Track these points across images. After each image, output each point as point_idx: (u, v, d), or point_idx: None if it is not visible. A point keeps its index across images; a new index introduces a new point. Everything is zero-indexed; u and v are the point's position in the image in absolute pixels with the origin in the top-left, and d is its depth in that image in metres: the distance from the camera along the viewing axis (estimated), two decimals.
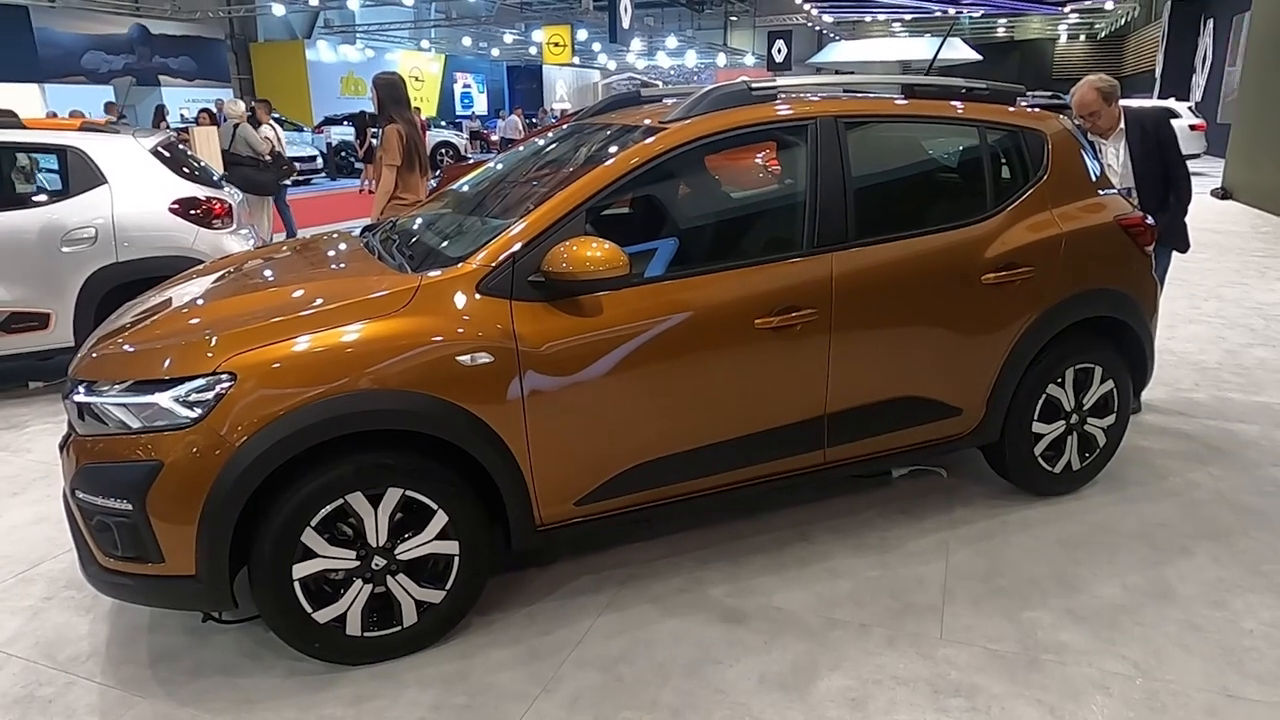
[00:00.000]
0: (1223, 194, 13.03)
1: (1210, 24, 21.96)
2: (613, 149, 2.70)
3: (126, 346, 2.38)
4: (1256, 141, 12.56)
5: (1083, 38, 35.29)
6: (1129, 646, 2.46)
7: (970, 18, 30.65)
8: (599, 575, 2.88)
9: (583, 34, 29.21)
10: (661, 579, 2.85)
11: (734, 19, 35.14)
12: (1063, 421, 3.26)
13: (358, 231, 3.40)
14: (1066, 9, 25.29)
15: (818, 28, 33.73)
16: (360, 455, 2.27)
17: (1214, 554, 2.95)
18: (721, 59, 36.40)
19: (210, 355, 2.18)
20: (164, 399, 2.17)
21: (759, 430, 2.74)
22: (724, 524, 3.17)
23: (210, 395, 2.14)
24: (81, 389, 2.31)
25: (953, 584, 2.79)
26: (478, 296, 2.37)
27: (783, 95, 2.87)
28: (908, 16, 28.69)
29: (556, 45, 24.62)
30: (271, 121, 9.43)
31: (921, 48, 33.45)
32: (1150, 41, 27.57)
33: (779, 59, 27.99)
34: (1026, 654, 2.44)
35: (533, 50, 34.20)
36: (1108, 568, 2.87)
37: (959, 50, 32.42)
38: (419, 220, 3.15)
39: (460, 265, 2.42)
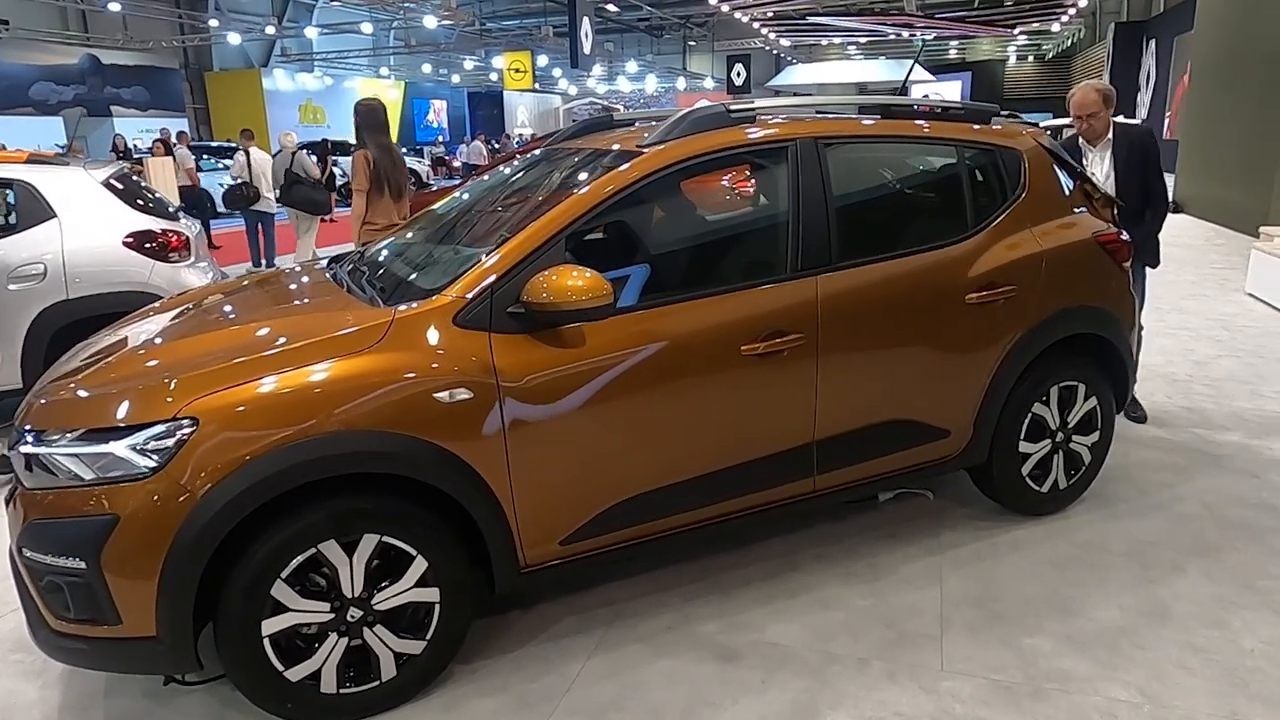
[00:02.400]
0: (1174, 207, 13.37)
1: (1152, 45, 22.70)
2: (590, 174, 2.62)
3: (79, 391, 2.23)
4: (1204, 156, 12.93)
5: (1031, 59, 36.29)
6: (1132, 671, 2.41)
7: (924, 40, 31.31)
8: (584, 615, 2.76)
9: (543, 59, 29.32)
10: (649, 617, 2.74)
11: (692, 44, 35.60)
12: (1049, 440, 3.24)
13: (323, 263, 3.28)
14: (1016, 31, 25.96)
15: (776, 51, 34.26)
16: (334, 501, 2.14)
17: (1206, 570, 2.92)
18: (681, 83, 36.79)
19: (169, 400, 2.05)
20: (120, 448, 2.02)
21: (747, 460, 2.66)
22: (710, 556, 3.07)
23: (170, 442, 2.01)
24: (29, 438, 2.15)
25: (948, 611, 2.73)
26: (455, 329, 2.27)
27: (761, 117, 2.82)
28: (863, 40, 29.25)
29: (517, 71, 24.67)
30: (253, 148, 9.74)
31: (877, 70, 34.15)
32: (1096, 62, 28.42)
33: (738, 82, 28.31)
34: (1030, 683, 2.37)
35: (493, 76, 34.32)
36: (1101, 589, 2.83)
37: (915, 72, 33.08)
38: (388, 250, 3.04)
39: (435, 297, 2.31)
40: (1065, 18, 23.71)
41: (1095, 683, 2.36)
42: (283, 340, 2.23)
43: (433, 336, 2.25)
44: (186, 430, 2.01)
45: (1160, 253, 4.01)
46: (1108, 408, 3.33)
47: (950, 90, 35.22)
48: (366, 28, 23.44)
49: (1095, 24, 29.66)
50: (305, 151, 9.95)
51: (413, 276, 2.60)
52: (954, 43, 33.53)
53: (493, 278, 2.32)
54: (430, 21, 20.62)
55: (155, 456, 2.01)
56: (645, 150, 2.59)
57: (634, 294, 2.56)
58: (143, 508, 1.99)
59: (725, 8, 21.20)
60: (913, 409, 2.93)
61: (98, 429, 2.07)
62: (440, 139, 26.71)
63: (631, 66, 32.14)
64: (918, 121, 3.05)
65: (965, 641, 2.57)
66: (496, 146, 21.31)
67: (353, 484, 2.17)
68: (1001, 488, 3.23)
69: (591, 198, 2.46)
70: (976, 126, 3.13)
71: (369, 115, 4.75)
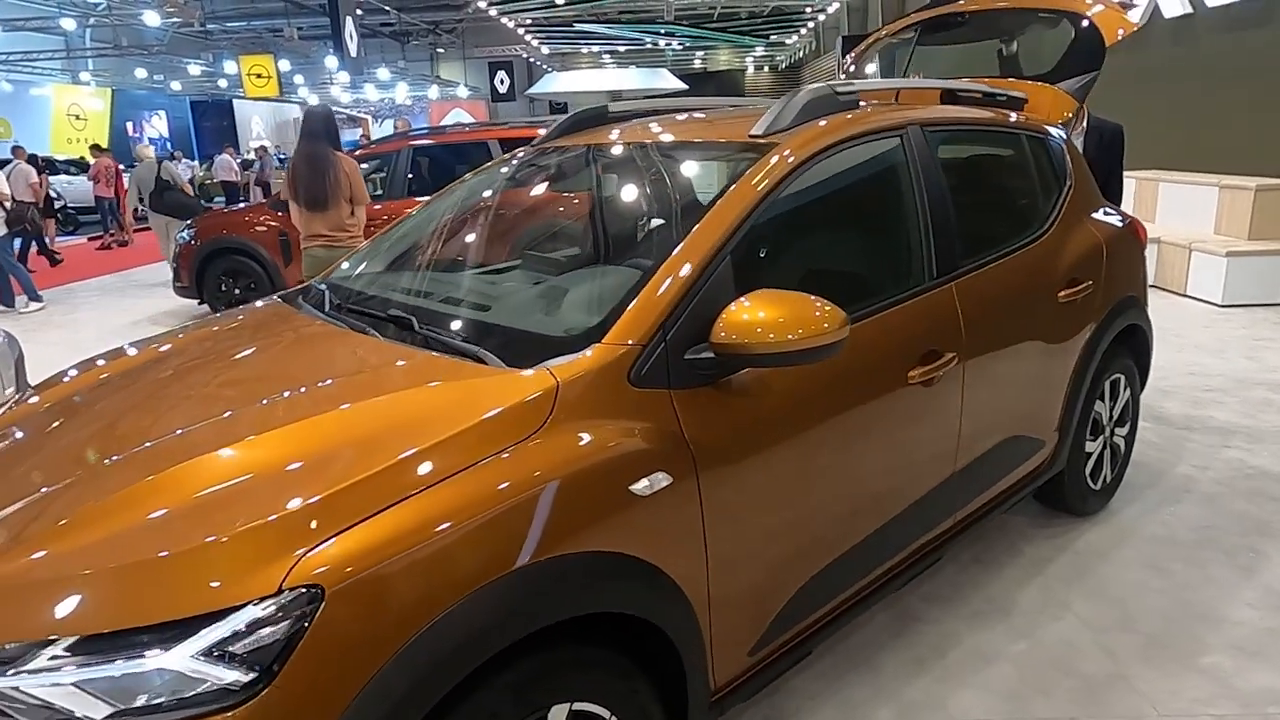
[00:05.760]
0: None
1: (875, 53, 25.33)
2: (709, 172, 2.05)
3: (35, 561, 1.29)
4: None
5: (766, 69, 39.17)
6: None
7: (673, 49, 32.60)
8: None
9: (284, 64, 26.61)
10: (808, 716, 2.22)
11: (440, 51, 34.24)
12: (1102, 437, 3.14)
13: (274, 301, 2.38)
14: (770, 38, 27.79)
15: (533, 59, 33.99)
16: (511, 667, 1.41)
17: None
18: (434, 91, 35.30)
19: (263, 557, 1.22)
20: (178, 659, 1.16)
21: (911, 502, 2.24)
22: None
23: (279, 633, 1.18)
24: None
25: (1105, 641, 2.48)
26: (634, 391, 1.61)
27: (864, 100, 2.40)
28: (622, 48, 29.85)
29: (259, 76, 22.13)
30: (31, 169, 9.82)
31: (631, 78, 35.01)
32: (825, 71, 31.16)
33: (503, 90, 27.68)
34: (1252, 713, 2.17)
35: (222, 83, 30.70)
36: (1216, 587, 2.74)
37: (666, 80, 34.45)
38: (408, 279, 2.25)
39: (595, 347, 1.63)
40: (804, 30, 25.73)
41: None
42: (392, 434, 1.44)
43: (611, 404, 1.58)
44: (306, 607, 1.20)
45: None
46: (1137, 397, 3.31)
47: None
48: (67, 24, 19.77)
49: (819, 38, 32.62)
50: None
51: (534, 319, 1.86)
52: (699, 53, 35.25)
53: (665, 314, 1.68)
54: (153, 18, 17.87)
55: (251, 664, 1.17)
56: (778, 139, 2.06)
57: None
58: None
59: (493, 11, 20.50)
60: (1022, 423, 2.66)
61: (118, 632, 1.18)
62: (177, 152, 23.13)
63: (384, 73, 30.21)
64: (990, 110, 2.79)
65: (1150, 675, 2.33)
66: (255, 160, 18.78)
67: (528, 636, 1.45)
68: (1070, 491, 3.07)
69: (744, 199, 1.88)
70: (1031, 117, 2.94)
71: (303, 122, 4.45)
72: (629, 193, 2.28)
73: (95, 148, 14.42)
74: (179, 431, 1.59)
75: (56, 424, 1.79)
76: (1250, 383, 4.74)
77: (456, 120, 27.55)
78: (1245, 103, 7.52)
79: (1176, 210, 7.69)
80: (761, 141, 2.07)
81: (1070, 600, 2.69)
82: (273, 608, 1.18)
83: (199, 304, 7.62)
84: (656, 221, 2.04)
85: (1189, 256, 6.85)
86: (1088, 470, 3.09)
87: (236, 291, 7.35)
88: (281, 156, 27.28)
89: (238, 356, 2.00)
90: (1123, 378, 3.17)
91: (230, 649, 1.17)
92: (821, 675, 2.37)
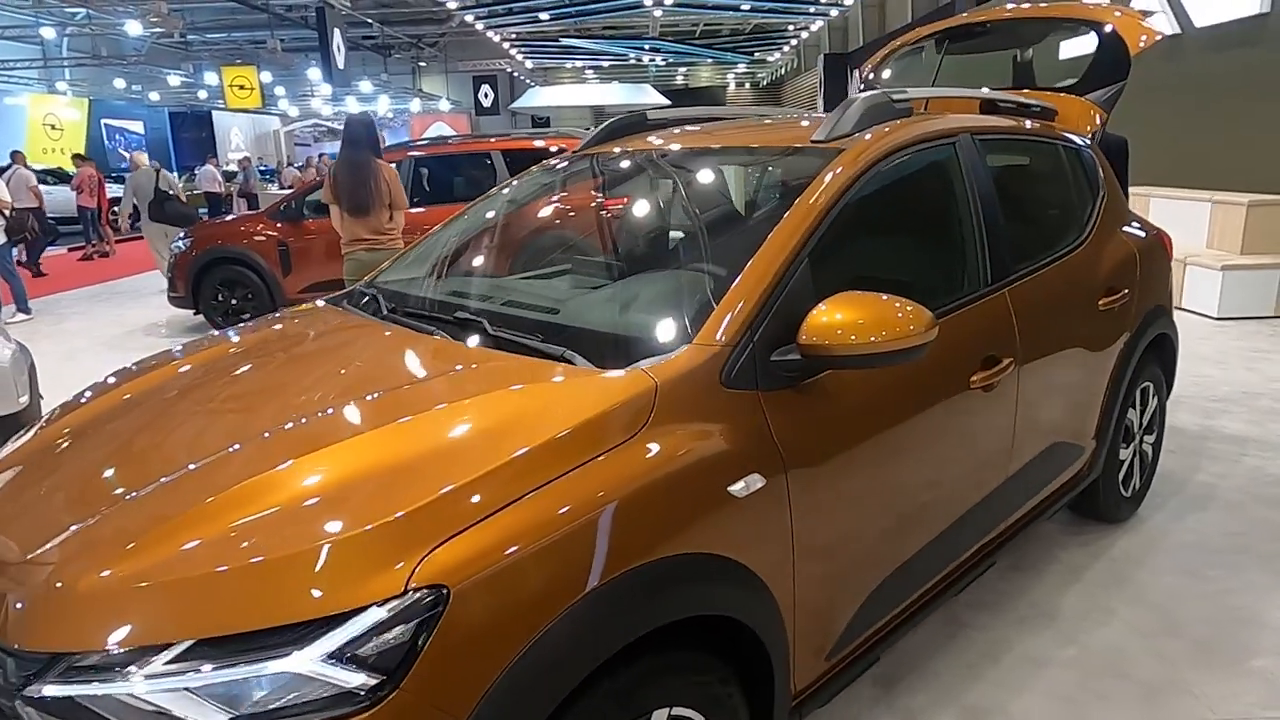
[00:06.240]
0: None
1: (855, 73, 25.71)
2: (773, 176, 2.05)
3: (171, 574, 1.25)
4: None
5: (748, 85, 39.56)
6: None
7: (655, 65, 32.84)
8: None
9: (266, 76, 26.44)
10: None
11: (423, 64, 34.24)
12: (1133, 444, 3.17)
13: (319, 303, 2.35)
14: (755, 55, 28.07)
15: (516, 73, 34.06)
16: (615, 673, 1.38)
17: None
18: (416, 104, 35.24)
19: (385, 558, 1.19)
20: (300, 663, 1.13)
21: (972, 506, 2.25)
22: None
23: (404, 634, 1.15)
24: (45, 673, 1.16)
25: (1155, 646, 2.49)
26: (726, 392, 1.60)
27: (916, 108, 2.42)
28: (606, 64, 30.00)
29: (241, 88, 22.07)
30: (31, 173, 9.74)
31: (614, 94, 35.19)
32: (807, 88, 31.57)
33: (486, 103, 27.73)
34: None
35: (202, 94, 30.42)
36: (1255, 592, 2.76)
37: (649, 95, 34.64)
38: (458, 286, 2.22)
39: (686, 349, 1.62)
40: (786, 48, 26.03)
41: None
42: (502, 434, 1.42)
43: (706, 405, 1.56)
44: (431, 610, 1.17)
45: None
46: (1163, 404, 3.35)
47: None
48: (46, 33, 19.52)
49: (800, 56, 33.04)
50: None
51: (613, 320, 1.84)
52: (681, 70, 35.54)
53: (752, 315, 1.67)
54: (134, 28, 17.69)
55: (378, 666, 1.14)
56: (842, 144, 2.07)
57: None
58: None
59: (479, 25, 20.54)
60: (1065, 429, 2.68)
61: (234, 635, 1.15)
62: (155, 162, 22.83)
63: (366, 86, 30.11)
64: (1030, 120, 2.82)
65: (1205, 679, 2.34)
66: (238, 171, 18.58)
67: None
68: (1104, 498, 3.09)
69: (821, 201, 1.88)
70: (1065, 127, 2.97)
71: (344, 130, 4.54)
72: (695, 196, 2.27)
73: (78, 157, 14.25)
74: (267, 434, 1.55)
75: (134, 425, 1.74)
76: (1255, 393, 4.82)
77: (438, 133, 27.55)
78: (1235, 120, 7.69)
79: (1169, 225, 7.74)
80: (826, 146, 2.08)
81: (1114, 606, 2.71)
82: (399, 609, 1.15)
83: (194, 314, 7.50)
84: (727, 224, 2.04)
85: (1184, 270, 6.97)
86: (1120, 477, 3.11)
87: (233, 302, 7.25)
88: (263, 168, 27.07)
89: (315, 358, 1.97)
90: (1151, 385, 3.21)
91: (357, 651, 1.14)
92: (874, 679, 2.35)
